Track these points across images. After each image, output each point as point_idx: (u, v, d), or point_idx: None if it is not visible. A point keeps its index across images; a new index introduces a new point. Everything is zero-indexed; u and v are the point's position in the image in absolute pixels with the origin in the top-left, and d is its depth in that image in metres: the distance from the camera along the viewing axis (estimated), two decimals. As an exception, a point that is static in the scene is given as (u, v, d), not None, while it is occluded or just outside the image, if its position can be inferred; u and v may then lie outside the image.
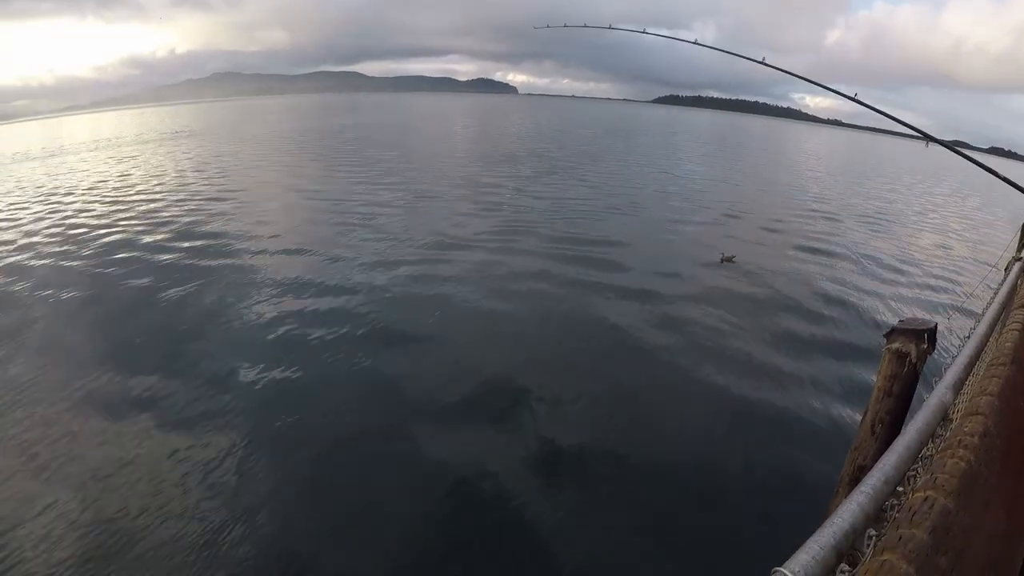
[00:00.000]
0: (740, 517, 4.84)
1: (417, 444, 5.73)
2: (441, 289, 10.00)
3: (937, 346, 3.25)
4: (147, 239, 13.64)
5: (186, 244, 13.06)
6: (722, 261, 12.74)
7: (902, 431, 1.23)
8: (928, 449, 1.52)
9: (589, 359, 7.72)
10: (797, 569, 0.90)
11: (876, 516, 1.09)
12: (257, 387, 6.87)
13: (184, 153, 34.30)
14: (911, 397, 3.42)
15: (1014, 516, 1.07)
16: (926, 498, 0.90)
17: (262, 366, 7.35)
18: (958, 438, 1.04)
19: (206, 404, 6.47)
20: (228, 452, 5.64)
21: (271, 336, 8.24)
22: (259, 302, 9.47)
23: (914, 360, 3.29)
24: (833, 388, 7.25)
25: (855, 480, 3.86)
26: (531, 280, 10.69)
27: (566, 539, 4.59)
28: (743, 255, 13.10)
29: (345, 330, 8.30)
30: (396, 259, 11.67)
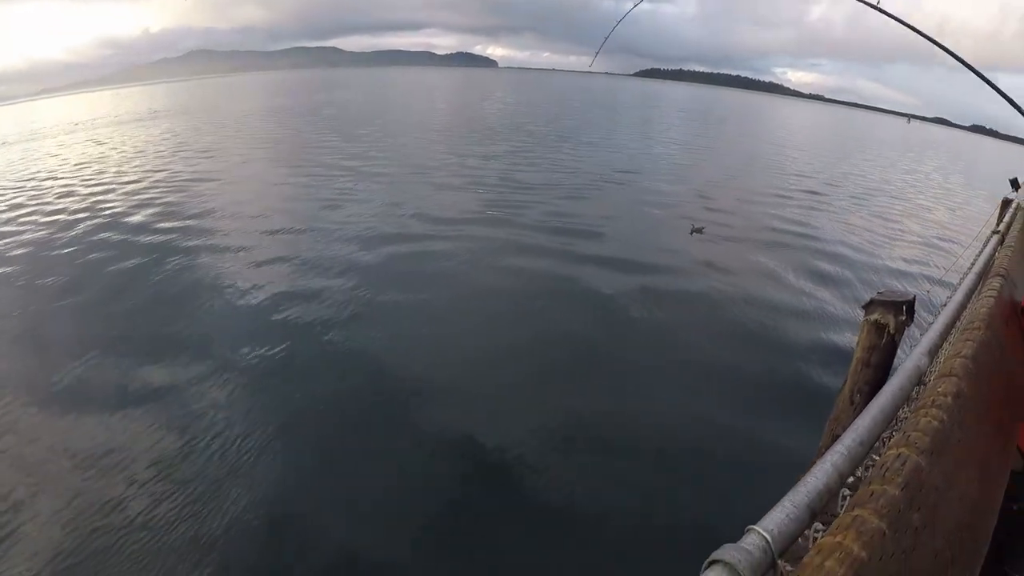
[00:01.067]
0: (716, 490, 4.91)
1: (398, 433, 5.74)
2: (411, 276, 9.95)
3: (916, 318, 3.29)
4: (123, 224, 13.55)
5: (160, 229, 12.95)
6: (692, 232, 13.03)
7: (878, 394, 1.24)
8: (903, 412, 1.53)
9: (557, 344, 7.67)
10: (771, 527, 0.90)
11: (850, 476, 1.10)
12: (233, 374, 6.84)
13: (159, 134, 33.54)
14: (889, 368, 3.47)
15: (985, 478, 1.08)
16: (899, 455, 0.90)
17: (234, 353, 7.32)
18: (931, 398, 1.05)
19: (183, 391, 6.43)
20: (206, 438, 5.63)
21: (244, 324, 8.17)
22: (229, 289, 9.40)
23: (892, 331, 3.33)
24: (809, 359, 7.34)
25: (833, 450, 3.94)
26: (504, 262, 10.70)
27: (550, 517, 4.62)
28: (718, 228, 13.23)
29: (317, 319, 8.20)
30: (368, 246, 11.50)
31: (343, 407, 6.23)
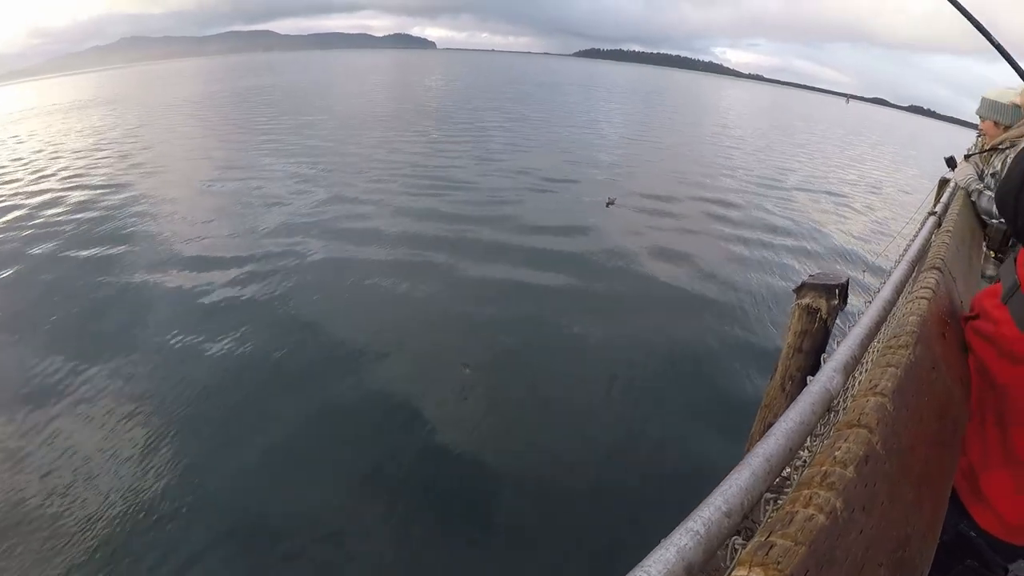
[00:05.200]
0: (637, 482, 4.68)
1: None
2: (332, 260, 9.52)
3: (850, 303, 3.06)
4: (41, 219, 12.56)
5: (81, 229, 11.89)
6: (607, 204, 13.25)
7: (765, 436, 0.87)
8: (805, 452, 1.19)
9: (468, 334, 7.28)
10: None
11: (699, 568, 0.75)
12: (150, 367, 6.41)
13: (89, 125, 30.98)
14: (821, 354, 3.24)
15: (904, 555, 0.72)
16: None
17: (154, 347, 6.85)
18: (823, 471, 0.67)
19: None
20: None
21: (163, 320, 7.64)
22: (153, 285, 8.81)
23: (824, 316, 3.09)
24: (737, 344, 7.09)
25: (763, 438, 3.73)
26: (423, 249, 10.18)
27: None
28: (641, 208, 13.10)
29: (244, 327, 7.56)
30: (300, 246, 10.56)
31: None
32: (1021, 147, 1.19)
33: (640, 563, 0.69)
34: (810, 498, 0.64)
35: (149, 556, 3.94)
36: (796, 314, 3.16)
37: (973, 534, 1.38)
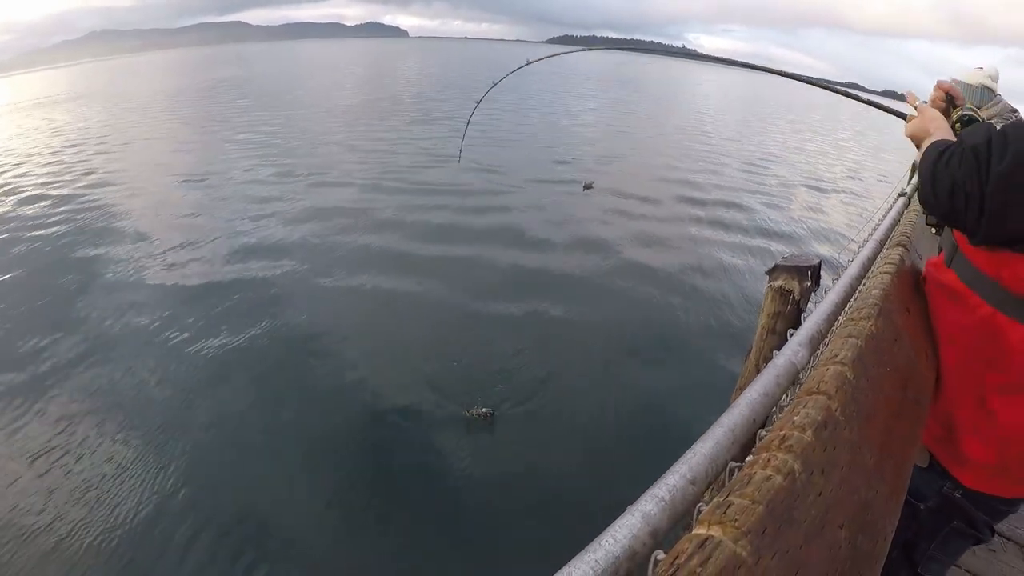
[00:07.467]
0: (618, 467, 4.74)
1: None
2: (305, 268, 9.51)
3: (823, 284, 3.11)
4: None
5: (42, 231, 11.77)
6: (584, 189, 13.37)
7: (730, 408, 0.88)
8: (773, 419, 1.21)
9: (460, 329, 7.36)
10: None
11: (665, 533, 0.77)
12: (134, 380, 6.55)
13: (49, 125, 30.20)
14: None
15: (862, 545, 0.74)
16: (706, 538, 0.55)
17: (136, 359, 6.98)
18: (782, 434, 0.69)
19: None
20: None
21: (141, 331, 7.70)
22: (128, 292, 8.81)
23: (797, 298, 3.12)
24: (712, 328, 7.18)
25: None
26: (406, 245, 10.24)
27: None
28: (618, 191, 13.11)
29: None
30: (268, 248, 10.59)
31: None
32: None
33: (607, 529, 0.71)
34: (768, 460, 0.65)
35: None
36: (769, 296, 3.21)
37: (957, 494, 1.42)
